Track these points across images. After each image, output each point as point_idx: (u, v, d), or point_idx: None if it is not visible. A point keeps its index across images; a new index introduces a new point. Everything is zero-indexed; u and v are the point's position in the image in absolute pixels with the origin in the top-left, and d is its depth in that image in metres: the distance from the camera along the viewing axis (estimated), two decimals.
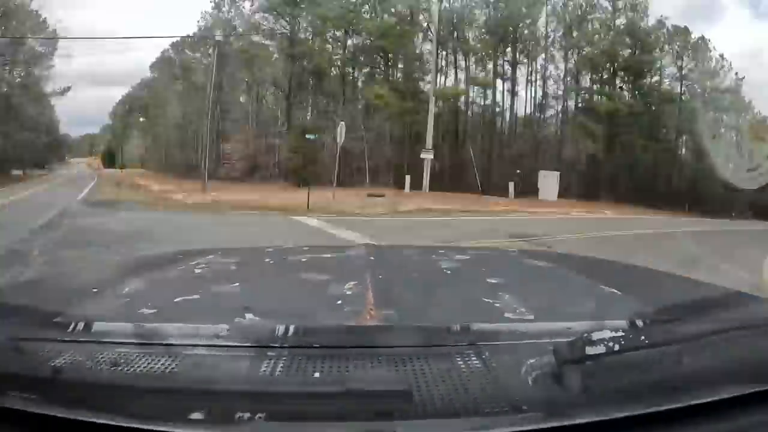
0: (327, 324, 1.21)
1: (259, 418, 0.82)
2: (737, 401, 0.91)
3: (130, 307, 1.35)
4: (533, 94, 41.43)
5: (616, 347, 0.89)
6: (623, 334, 0.93)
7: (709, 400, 0.89)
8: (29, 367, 0.95)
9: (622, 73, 39.59)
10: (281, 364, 0.98)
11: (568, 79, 40.55)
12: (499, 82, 41.15)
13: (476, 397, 0.88)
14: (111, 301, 1.45)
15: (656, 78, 40.45)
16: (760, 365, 1.01)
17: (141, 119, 52.34)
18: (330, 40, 40.22)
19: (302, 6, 37.51)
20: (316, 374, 0.95)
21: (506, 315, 1.25)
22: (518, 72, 41.17)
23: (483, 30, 40.31)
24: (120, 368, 0.97)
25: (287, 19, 38.12)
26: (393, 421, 0.82)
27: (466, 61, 40.62)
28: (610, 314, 1.24)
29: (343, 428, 0.82)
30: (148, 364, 0.98)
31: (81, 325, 1.14)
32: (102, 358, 1.00)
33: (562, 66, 40.24)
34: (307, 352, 1.03)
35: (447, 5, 39.79)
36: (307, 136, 31.19)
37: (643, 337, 0.97)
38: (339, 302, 1.36)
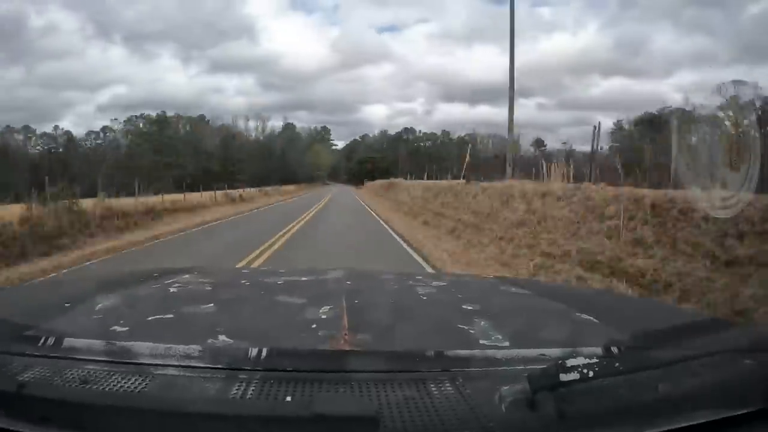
0: (300, 348, 1.20)
1: None
2: (711, 426, 0.92)
3: (102, 324, 1.33)
4: None
5: (591, 374, 0.89)
6: (597, 360, 0.93)
7: (683, 425, 0.89)
8: None
9: None
10: (252, 387, 0.97)
11: None
12: None
13: (449, 423, 0.87)
14: (83, 317, 1.43)
15: None
16: (733, 390, 1.02)
17: None
18: None
19: None
20: (288, 398, 0.94)
21: (481, 341, 1.24)
22: None
23: None
24: (89, 386, 0.96)
25: None
26: None
27: None
28: (584, 341, 1.24)
29: None
30: (118, 382, 0.97)
31: (51, 340, 1.13)
32: (71, 374, 0.99)
33: None
34: (279, 376, 1.02)
35: None
36: None
37: (617, 364, 0.97)
38: (313, 326, 1.35)
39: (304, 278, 2.21)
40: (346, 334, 1.27)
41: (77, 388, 0.96)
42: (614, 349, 1.13)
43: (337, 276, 2.18)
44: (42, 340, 1.13)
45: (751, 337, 1.33)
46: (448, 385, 0.99)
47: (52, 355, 1.08)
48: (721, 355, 1.13)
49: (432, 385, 0.99)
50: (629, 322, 1.59)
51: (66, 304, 1.54)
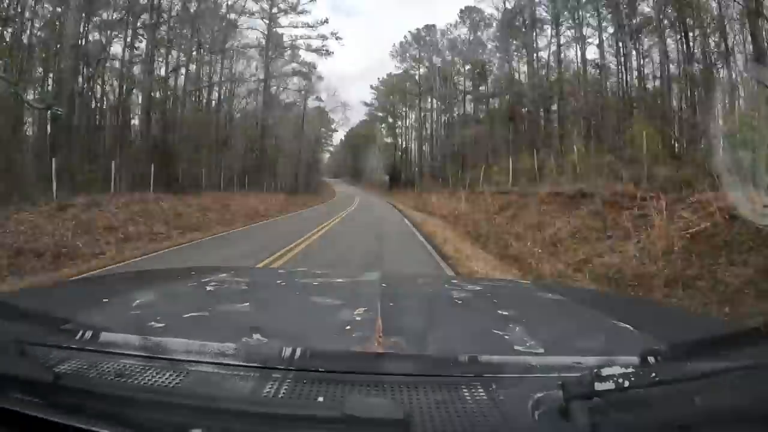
0: (333, 349, 1.20)
1: None
2: None
3: (139, 320, 1.35)
4: None
5: (626, 384, 0.87)
6: (633, 370, 0.91)
7: None
8: (32, 371, 0.95)
9: None
10: (285, 387, 0.98)
11: None
12: None
13: (480, 429, 0.87)
14: (120, 312, 1.46)
15: None
16: None
17: None
18: None
19: None
20: (320, 398, 0.94)
21: (515, 347, 1.23)
22: None
23: None
24: (123, 379, 0.98)
25: None
26: None
27: None
28: (620, 350, 1.22)
29: None
30: (152, 377, 0.99)
31: (88, 334, 1.15)
32: (106, 368, 1.01)
33: None
34: (311, 376, 1.02)
35: None
36: None
37: (653, 374, 0.95)
38: (347, 327, 1.36)
39: (339, 280, 2.22)
40: (379, 337, 1.27)
41: (112, 380, 0.98)
42: (651, 359, 1.11)
43: (372, 278, 2.19)
44: (79, 334, 1.15)
45: None
46: (480, 390, 0.99)
47: (88, 348, 1.11)
48: (761, 368, 1.10)
49: (464, 390, 0.98)
50: (666, 331, 1.56)
51: (104, 300, 1.58)
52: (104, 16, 26.69)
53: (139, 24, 28.34)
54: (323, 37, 41.52)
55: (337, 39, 43.32)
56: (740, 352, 1.22)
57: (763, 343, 1.31)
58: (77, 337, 1.14)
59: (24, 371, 0.94)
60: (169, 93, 30.88)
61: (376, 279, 2.18)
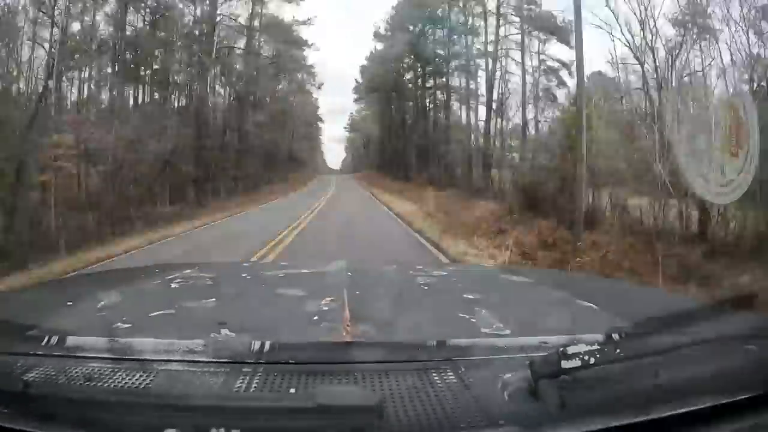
0: (302, 340, 1.20)
1: None
2: (712, 412, 0.92)
3: (105, 322, 1.33)
4: None
5: (592, 361, 0.89)
6: (599, 347, 0.93)
7: (683, 411, 0.90)
8: (0, 381, 0.93)
9: None
10: (256, 380, 0.98)
11: None
12: None
13: (451, 412, 0.88)
14: (86, 315, 1.44)
15: None
16: (733, 376, 1.02)
17: None
18: None
19: None
20: (291, 390, 0.95)
21: (483, 330, 1.25)
22: None
23: None
24: (93, 383, 0.96)
25: None
26: None
27: None
28: (585, 328, 1.25)
29: None
30: (122, 379, 0.98)
31: (54, 339, 1.13)
32: (75, 372, 1.00)
33: None
34: (282, 368, 1.02)
35: None
36: None
37: (618, 351, 0.97)
38: (315, 318, 1.36)
39: (305, 271, 2.21)
40: (348, 326, 1.27)
41: (82, 385, 0.96)
42: (615, 336, 1.13)
43: (338, 268, 2.19)
44: (45, 340, 1.13)
45: (752, 324, 1.33)
46: (450, 374, 1.00)
47: (55, 353, 1.09)
48: (721, 342, 1.14)
49: (434, 375, 1.00)
50: (630, 309, 1.60)
51: (68, 303, 1.55)
52: None
53: None
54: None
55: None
56: (702, 327, 1.26)
57: (724, 319, 1.35)
58: (43, 343, 1.13)
59: None
60: None
61: (342, 268, 2.18)
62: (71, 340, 1.14)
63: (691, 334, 1.16)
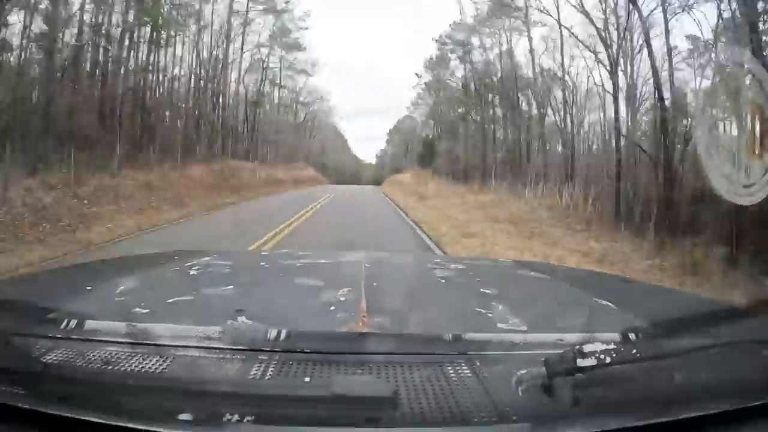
0: (318, 330, 1.21)
1: (248, 420, 0.82)
2: (728, 416, 0.91)
3: (123, 306, 1.35)
4: None
5: (607, 360, 0.89)
6: (615, 347, 0.92)
7: (699, 414, 0.89)
8: (19, 362, 0.94)
9: None
10: (272, 368, 0.98)
11: None
12: None
13: (465, 406, 0.88)
14: (105, 300, 1.45)
15: None
16: (751, 381, 1.01)
17: None
18: None
19: None
20: (306, 379, 0.95)
21: (499, 325, 1.25)
22: None
23: None
24: (110, 366, 0.98)
25: None
26: (379, 428, 0.82)
27: None
28: (602, 327, 1.24)
29: None
30: (139, 363, 0.99)
31: (73, 323, 1.15)
32: (93, 356, 1.01)
33: None
34: (297, 357, 1.03)
35: None
36: None
37: (634, 351, 0.96)
38: (332, 308, 1.37)
39: (323, 261, 2.22)
40: (364, 317, 1.28)
41: (99, 368, 0.98)
42: (632, 336, 1.13)
43: (355, 259, 2.19)
44: (64, 323, 1.15)
45: None
46: (465, 368, 1.00)
47: (74, 337, 1.11)
48: (739, 345, 1.13)
49: (449, 368, 1.00)
50: (647, 309, 1.58)
51: (87, 287, 1.57)
52: None
53: None
54: None
55: None
56: (719, 329, 1.25)
57: (741, 322, 1.34)
58: (63, 327, 1.14)
59: (11, 362, 0.93)
60: None
61: (359, 259, 2.18)
62: (90, 324, 1.15)
63: (710, 336, 1.14)
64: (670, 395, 0.92)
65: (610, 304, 1.52)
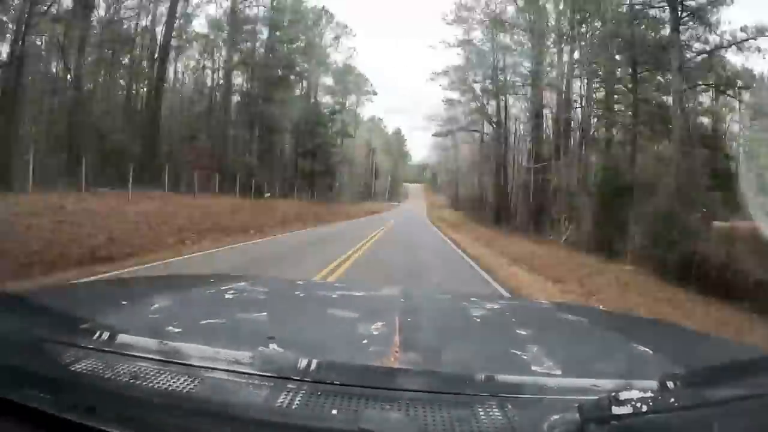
0: (350, 362, 1.20)
1: None
2: None
3: (156, 324, 1.36)
4: None
5: (644, 408, 0.86)
6: (652, 394, 0.90)
7: None
8: (50, 368, 0.96)
9: None
10: (299, 397, 0.98)
11: None
12: None
13: None
14: (138, 315, 1.47)
15: None
16: None
17: None
18: None
19: None
20: (333, 411, 0.94)
21: (533, 368, 1.22)
22: None
23: None
24: (138, 381, 0.98)
25: None
26: None
27: None
28: (639, 373, 1.21)
29: None
30: (167, 381, 0.99)
31: (105, 335, 1.16)
32: (122, 369, 1.02)
33: None
34: (326, 389, 1.02)
35: None
36: None
37: (672, 399, 0.93)
38: (364, 341, 1.36)
39: (358, 293, 2.22)
40: (396, 352, 1.27)
41: (127, 382, 0.98)
42: (670, 384, 1.09)
43: (391, 293, 2.19)
44: (97, 334, 1.16)
45: None
46: (496, 410, 0.98)
47: (105, 349, 1.12)
48: None
49: (480, 409, 0.98)
50: (687, 355, 1.54)
51: (123, 302, 1.60)
52: None
53: None
54: None
55: None
56: (760, 378, 1.20)
57: None
58: (95, 338, 1.15)
59: (41, 368, 0.95)
60: None
61: (395, 294, 2.18)
62: (122, 338, 1.16)
63: (753, 386, 1.10)
64: None
65: (647, 349, 1.48)
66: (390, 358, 1.24)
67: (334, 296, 2.10)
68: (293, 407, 0.95)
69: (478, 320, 1.86)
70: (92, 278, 7.80)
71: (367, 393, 1.02)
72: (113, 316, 1.42)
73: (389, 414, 0.95)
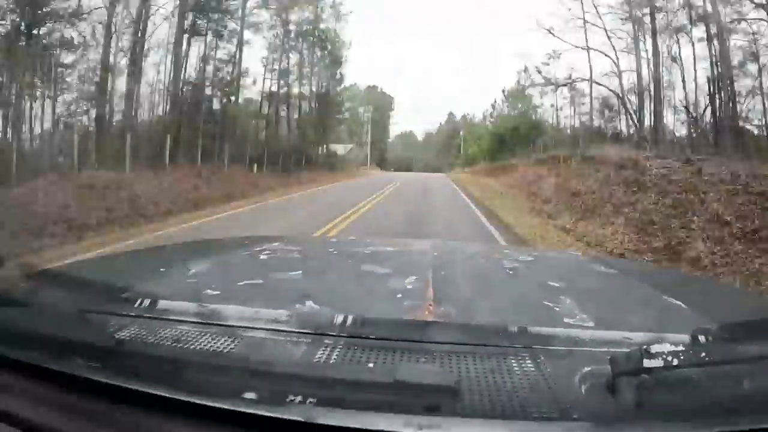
0: (384, 317, 1.22)
1: (310, 402, 0.83)
2: None
3: (195, 288, 1.40)
4: None
5: (675, 362, 0.86)
6: (683, 348, 0.89)
7: (765, 426, 0.85)
8: (95, 337, 1.00)
9: None
10: (336, 353, 1.00)
11: None
12: None
13: (525, 400, 0.87)
14: (177, 281, 1.51)
15: None
16: None
17: None
18: None
19: None
20: (370, 365, 0.97)
21: (565, 320, 1.23)
22: None
23: None
24: (180, 345, 1.02)
25: None
26: (440, 417, 0.82)
27: None
28: (671, 327, 1.20)
29: (390, 419, 0.82)
30: (208, 342, 1.03)
31: (146, 302, 1.20)
32: (164, 334, 1.06)
33: None
34: (362, 343, 1.04)
35: None
36: None
37: (703, 354, 0.93)
38: (399, 296, 1.37)
39: (390, 249, 2.24)
40: (430, 305, 1.28)
41: (169, 346, 1.02)
42: (701, 338, 1.08)
43: (423, 247, 2.20)
44: (138, 302, 1.20)
45: None
46: (528, 361, 0.99)
47: (146, 315, 1.16)
48: None
49: (513, 361, 0.99)
50: (719, 310, 1.52)
51: (161, 269, 1.64)
52: None
53: None
54: None
55: None
56: None
57: None
58: (136, 305, 1.19)
59: (87, 337, 0.98)
60: None
61: (427, 248, 2.19)
62: (162, 304, 1.20)
63: None
64: (739, 403, 0.88)
65: (680, 303, 1.47)
66: (424, 311, 1.26)
67: (366, 252, 2.13)
68: (330, 362, 0.97)
69: (510, 272, 1.87)
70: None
71: (401, 346, 1.04)
72: (152, 283, 1.45)
73: (424, 366, 0.97)
